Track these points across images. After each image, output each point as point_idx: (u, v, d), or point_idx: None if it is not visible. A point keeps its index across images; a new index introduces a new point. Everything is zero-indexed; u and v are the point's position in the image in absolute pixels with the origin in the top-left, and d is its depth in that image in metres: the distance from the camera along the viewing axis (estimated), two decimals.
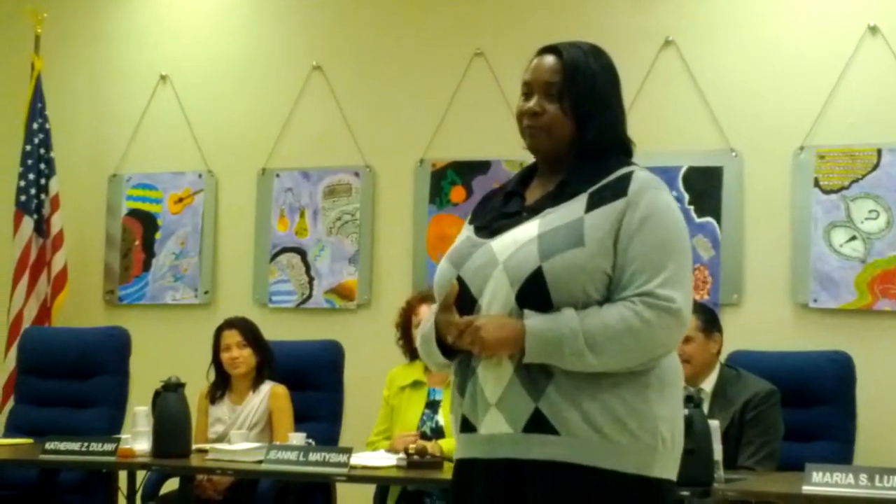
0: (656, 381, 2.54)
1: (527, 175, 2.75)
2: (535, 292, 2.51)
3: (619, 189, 2.56)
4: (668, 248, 2.54)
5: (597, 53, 2.69)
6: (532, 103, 2.65)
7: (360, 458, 4.53)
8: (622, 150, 2.69)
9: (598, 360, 2.47)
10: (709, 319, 4.82)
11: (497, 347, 2.52)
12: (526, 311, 2.51)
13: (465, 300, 2.59)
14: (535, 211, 2.62)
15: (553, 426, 2.49)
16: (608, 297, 2.53)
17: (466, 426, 2.62)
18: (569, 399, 2.49)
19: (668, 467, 2.56)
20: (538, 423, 2.50)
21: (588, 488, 2.49)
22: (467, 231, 2.72)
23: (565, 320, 2.48)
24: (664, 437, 2.53)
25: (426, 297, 4.80)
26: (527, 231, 2.57)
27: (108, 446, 4.73)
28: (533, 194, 2.69)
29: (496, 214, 2.69)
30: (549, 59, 2.67)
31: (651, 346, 2.51)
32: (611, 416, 2.49)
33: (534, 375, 2.51)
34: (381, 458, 4.61)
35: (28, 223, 6.77)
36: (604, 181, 2.59)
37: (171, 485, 5.25)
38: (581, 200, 2.57)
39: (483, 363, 2.57)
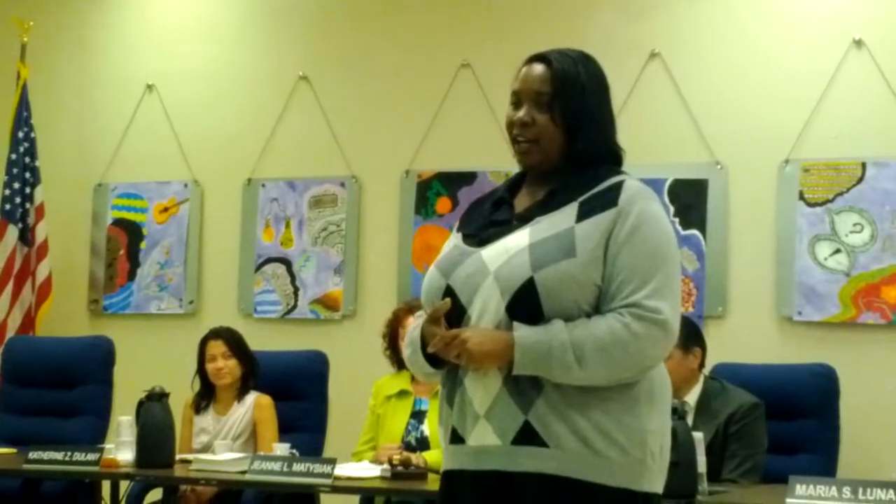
0: (645, 394, 2.52)
1: (516, 182, 2.72)
2: (526, 303, 2.48)
3: (610, 199, 2.53)
4: (657, 259, 2.51)
5: (586, 61, 2.65)
6: (522, 113, 2.61)
7: (345, 469, 4.53)
8: (612, 159, 2.66)
9: (585, 372, 2.44)
10: (688, 335, 4.79)
11: (484, 360, 2.49)
12: (515, 324, 2.48)
13: (454, 310, 2.56)
14: (524, 219, 2.58)
15: (542, 439, 2.47)
16: (597, 309, 2.50)
17: (455, 437, 2.59)
18: (558, 412, 2.47)
19: (655, 481, 2.54)
20: (527, 436, 2.48)
21: (577, 501, 2.47)
22: (455, 239, 2.68)
23: (555, 332, 2.45)
24: (653, 451, 2.51)
25: (413, 308, 4.80)
26: (518, 240, 2.53)
27: (92, 456, 4.71)
28: (522, 202, 2.66)
29: (485, 222, 2.65)
30: (539, 69, 2.63)
31: (639, 359, 2.48)
32: (600, 430, 2.46)
33: (522, 387, 2.49)
34: (365, 469, 4.60)
35: (13, 232, 6.76)
36: (594, 190, 2.56)
37: (155, 495, 5.23)
38: (571, 209, 2.54)
39: (470, 374, 2.54)
